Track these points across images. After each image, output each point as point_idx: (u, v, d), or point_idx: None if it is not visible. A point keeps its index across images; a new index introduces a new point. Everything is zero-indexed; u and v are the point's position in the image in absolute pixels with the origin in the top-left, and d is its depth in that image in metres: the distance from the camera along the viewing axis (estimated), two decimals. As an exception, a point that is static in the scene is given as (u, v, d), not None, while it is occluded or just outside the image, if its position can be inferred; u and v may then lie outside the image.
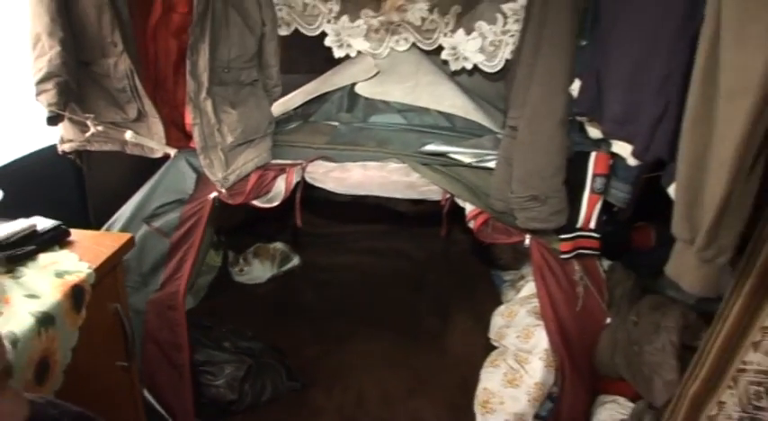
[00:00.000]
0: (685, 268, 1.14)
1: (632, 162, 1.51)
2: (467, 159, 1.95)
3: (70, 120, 1.79)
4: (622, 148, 1.54)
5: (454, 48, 2.14)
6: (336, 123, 2.23)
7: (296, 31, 2.16)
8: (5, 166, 1.79)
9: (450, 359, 2.37)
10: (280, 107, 2.20)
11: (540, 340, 1.92)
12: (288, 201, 2.00)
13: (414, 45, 2.18)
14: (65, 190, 2.10)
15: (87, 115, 1.77)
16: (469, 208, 1.93)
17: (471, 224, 1.93)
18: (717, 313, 1.21)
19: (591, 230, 1.85)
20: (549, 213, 1.71)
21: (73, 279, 1.24)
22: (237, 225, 3.00)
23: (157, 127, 1.88)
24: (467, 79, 2.33)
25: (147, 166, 2.04)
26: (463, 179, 1.92)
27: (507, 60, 2.10)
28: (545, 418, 1.90)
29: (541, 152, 1.66)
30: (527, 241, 1.85)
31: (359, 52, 2.20)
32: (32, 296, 1.17)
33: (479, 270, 2.97)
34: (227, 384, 2.02)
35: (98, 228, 1.97)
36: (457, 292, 2.80)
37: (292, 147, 2.05)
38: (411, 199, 2.09)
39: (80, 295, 1.24)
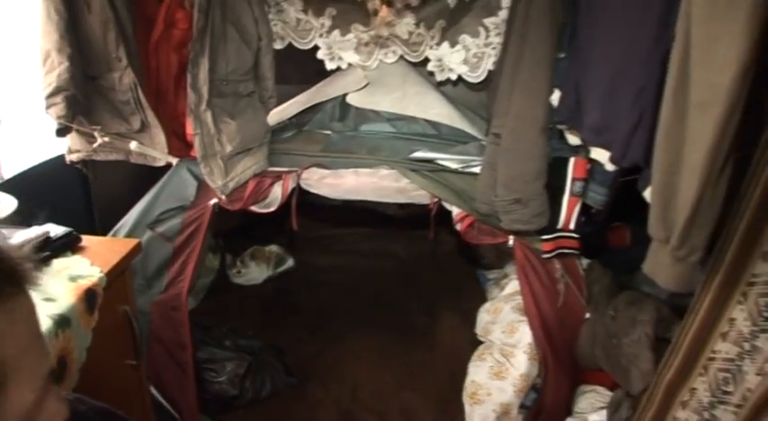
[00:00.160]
0: (660, 266, 1.16)
1: (609, 167, 1.53)
2: (453, 165, 1.99)
3: (78, 131, 1.83)
4: (600, 155, 1.56)
5: (440, 59, 2.17)
6: (329, 132, 2.26)
7: (290, 44, 2.18)
8: (16, 176, 1.81)
9: (439, 354, 2.41)
10: (275, 117, 2.22)
11: (524, 335, 1.94)
12: (283, 206, 2.03)
13: (401, 57, 2.20)
14: (72, 198, 2.12)
15: (94, 127, 1.82)
16: (456, 211, 1.97)
17: (458, 226, 1.97)
18: (689, 307, 1.24)
19: (571, 231, 1.88)
20: (531, 215, 1.75)
21: (86, 283, 1.26)
22: (234, 228, 3.00)
23: (160, 137, 1.92)
24: (451, 89, 2.35)
25: (150, 175, 2.07)
26: (450, 184, 1.96)
27: (490, 71, 2.13)
28: (529, 408, 1.93)
29: (524, 158, 1.70)
30: (511, 242, 1.89)
31: (349, 64, 2.22)
32: (49, 299, 1.17)
33: (465, 269, 2.99)
34: (229, 381, 2.06)
35: (104, 234, 1.99)
36: (444, 291, 2.83)
37: (288, 154, 2.09)
38: (400, 203, 2.11)
39: (93, 298, 1.26)
